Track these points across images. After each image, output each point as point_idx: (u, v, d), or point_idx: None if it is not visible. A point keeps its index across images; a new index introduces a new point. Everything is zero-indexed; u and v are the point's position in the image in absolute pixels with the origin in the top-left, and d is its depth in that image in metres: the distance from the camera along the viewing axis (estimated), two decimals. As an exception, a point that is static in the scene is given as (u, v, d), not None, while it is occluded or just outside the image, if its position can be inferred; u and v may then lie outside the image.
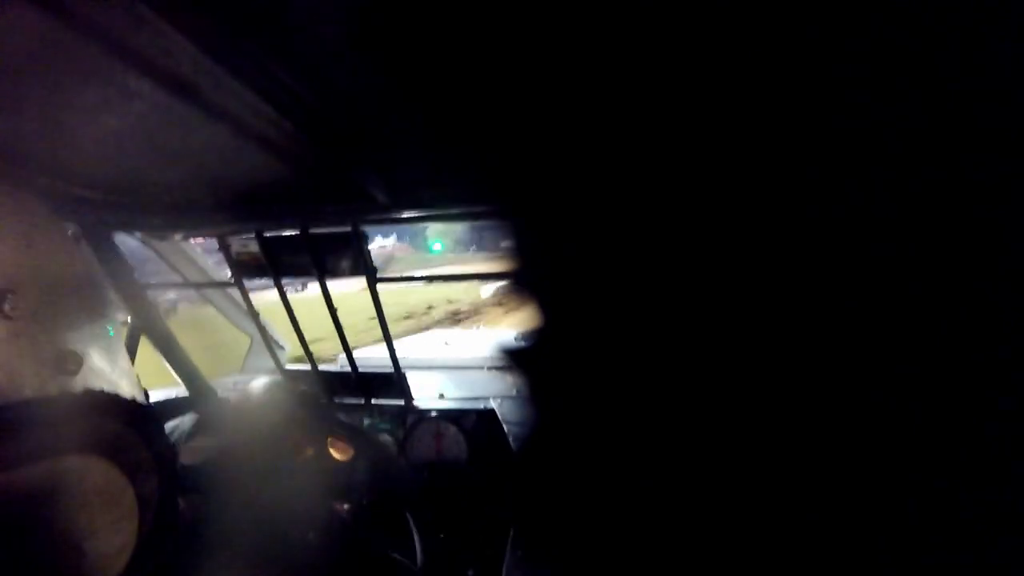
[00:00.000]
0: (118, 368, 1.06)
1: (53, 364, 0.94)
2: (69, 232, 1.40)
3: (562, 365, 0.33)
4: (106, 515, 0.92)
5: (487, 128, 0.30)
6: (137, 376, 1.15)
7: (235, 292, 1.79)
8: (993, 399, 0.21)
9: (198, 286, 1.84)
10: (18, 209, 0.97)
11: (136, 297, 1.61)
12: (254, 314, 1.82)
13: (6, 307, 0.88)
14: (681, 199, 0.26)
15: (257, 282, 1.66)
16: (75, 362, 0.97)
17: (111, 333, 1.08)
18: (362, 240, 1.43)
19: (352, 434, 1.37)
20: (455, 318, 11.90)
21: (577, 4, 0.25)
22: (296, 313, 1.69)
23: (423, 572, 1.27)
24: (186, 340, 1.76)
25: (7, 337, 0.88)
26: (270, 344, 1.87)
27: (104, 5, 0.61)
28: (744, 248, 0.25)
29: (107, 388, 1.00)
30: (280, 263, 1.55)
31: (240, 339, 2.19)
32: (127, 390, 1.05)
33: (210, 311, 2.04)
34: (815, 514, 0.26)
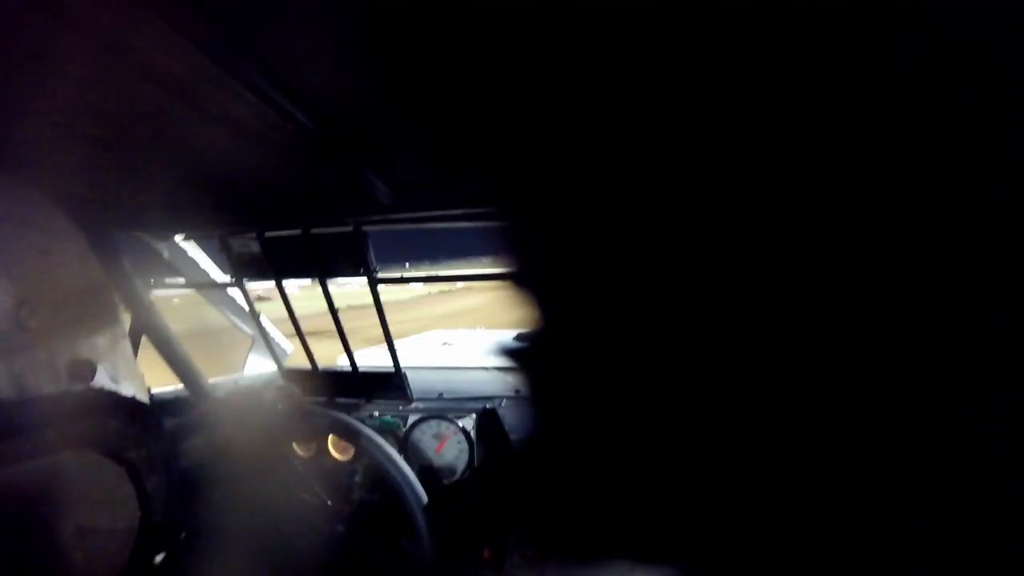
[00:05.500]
0: (127, 371, 1.07)
1: (67, 373, 0.93)
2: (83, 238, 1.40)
3: (562, 365, 0.33)
4: (106, 514, 0.92)
5: (489, 130, 0.30)
6: (143, 377, 1.15)
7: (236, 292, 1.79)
8: (992, 403, 0.21)
9: (198, 286, 1.84)
10: (34, 217, 0.96)
11: (136, 297, 1.61)
12: (254, 314, 1.82)
13: (21, 316, 0.86)
14: (679, 199, 0.26)
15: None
16: (89, 370, 0.96)
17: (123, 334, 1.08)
18: (364, 241, 1.43)
19: (352, 433, 1.37)
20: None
21: (577, 13, 0.25)
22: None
23: (423, 572, 1.27)
24: (186, 340, 1.77)
25: (22, 348, 0.86)
26: (270, 344, 1.87)
27: (104, 5, 0.61)
28: (742, 247, 0.25)
29: (114, 390, 1.00)
30: (281, 263, 1.55)
31: (240, 339, 2.19)
32: (134, 391, 1.05)
33: (211, 311, 2.05)
34: (811, 512, 0.26)
